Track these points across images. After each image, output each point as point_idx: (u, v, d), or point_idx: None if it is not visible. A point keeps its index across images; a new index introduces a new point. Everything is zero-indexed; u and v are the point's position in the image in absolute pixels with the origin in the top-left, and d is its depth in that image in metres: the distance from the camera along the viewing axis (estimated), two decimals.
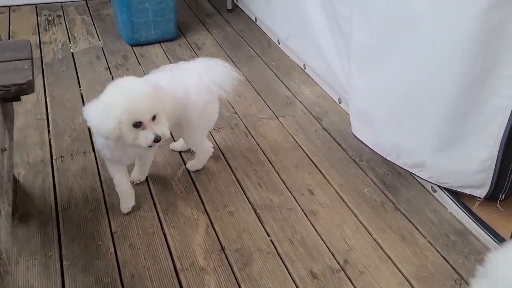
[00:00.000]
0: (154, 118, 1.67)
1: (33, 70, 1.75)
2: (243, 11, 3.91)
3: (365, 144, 2.19)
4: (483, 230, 1.82)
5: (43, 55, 3.16)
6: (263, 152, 2.35)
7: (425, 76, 1.76)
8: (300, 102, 2.76)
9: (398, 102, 1.92)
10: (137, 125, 1.65)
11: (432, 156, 1.88)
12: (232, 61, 3.16)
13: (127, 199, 1.97)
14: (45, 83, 2.85)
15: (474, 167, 1.79)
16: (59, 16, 3.72)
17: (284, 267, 1.77)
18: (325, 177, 2.20)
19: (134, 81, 1.74)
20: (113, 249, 1.81)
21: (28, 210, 1.96)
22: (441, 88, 1.72)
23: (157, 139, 1.66)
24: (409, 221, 1.97)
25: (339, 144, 2.41)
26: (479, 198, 1.87)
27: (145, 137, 1.66)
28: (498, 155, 1.71)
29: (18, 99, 1.74)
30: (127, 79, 1.74)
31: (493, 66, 1.58)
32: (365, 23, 1.97)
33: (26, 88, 1.66)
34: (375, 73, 1.98)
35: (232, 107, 2.67)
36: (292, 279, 1.73)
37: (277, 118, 2.61)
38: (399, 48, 1.82)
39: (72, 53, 3.20)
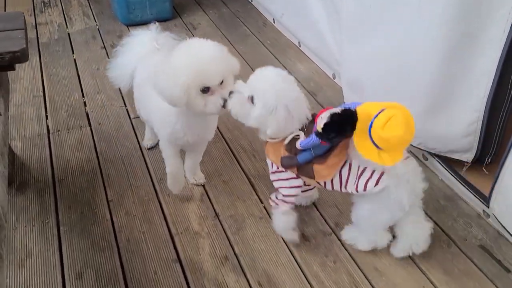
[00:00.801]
0: (221, 82, 1.55)
1: (27, 40, 1.78)
2: None
3: None
4: (471, 192, 1.86)
5: (39, 36, 3.19)
6: None
7: (411, 41, 1.79)
8: (296, 78, 2.77)
9: (386, 69, 1.95)
10: (205, 90, 1.53)
11: (420, 122, 1.89)
12: (228, 40, 3.18)
13: (178, 180, 1.89)
14: (42, 62, 2.87)
15: (461, 131, 1.82)
16: None
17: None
18: None
19: (202, 43, 1.59)
20: (109, 216, 1.85)
21: (25, 180, 2.00)
22: (427, 53, 1.75)
23: (224, 104, 1.55)
24: None
25: None
26: (467, 162, 1.90)
27: (213, 102, 1.54)
28: (484, 118, 1.74)
29: (13, 68, 1.76)
30: (195, 40, 1.62)
31: (478, 29, 1.60)
32: None
33: (20, 56, 1.68)
34: (364, 42, 2.01)
35: None
36: (284, 241, 1.76)
37: None
38: (386, 15, 1.85)
39: (68, 33, 3.22)
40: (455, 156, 1.92)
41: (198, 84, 1.51)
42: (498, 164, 1.68)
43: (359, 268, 1.67)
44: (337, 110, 1.40)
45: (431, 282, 1.63)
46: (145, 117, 1.96)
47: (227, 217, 1.86)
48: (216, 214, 1.87)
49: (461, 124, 1.83)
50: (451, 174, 1.94)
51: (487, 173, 1.88)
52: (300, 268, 1.67)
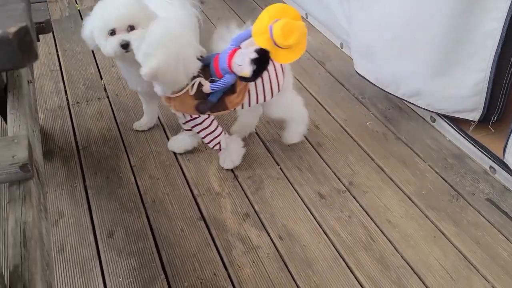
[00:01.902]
0: (132, 29, 1.67)
1: (49, 12, 1.85)
2: None
3: (366, 79, 2.29)
4: (479, 150, 1.94)
5: (50, 13, 3.23)
6: None
7: (417, 3, 1.85)
8: None
9: (394, 33, 2.02)
10: (112, 33, 1.66)
11: (428, 83, 1.99)
12: (236, 13, 3.23)
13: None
14: (55, 38, 2.94)
15: (468, 91, 1.89)
16: None
17: (293, 190, 1.90)
18: (329, 114, 2.32)
19: None
20: (133, 180, 1.94)
21: (51, 148, 2.09)
22: (433, 15, 1.81)
23: (122, 44, 1.64)
24: (410, 148, 2.09)
25: (342, 85, 2.52)
26: (473, 121, 1.98)
27: (110, 43, 1.66)
28: (490, 78, 1.82)
29: (37, 39, 1.84)
30: None
31: None
32: None
33: (45, 27, 1.76)
34: (372, 6, 2.07)
35: None
36: (301, 199, 1.86)
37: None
38: None
39: (79, 10, 3.27)
40: (462, 116, 2.00)
41: (102, 26, 1.67)
42: (504, 122, 1.76)
43: (372, 221, 1.77)
44: (251, 52, 1.62)
45: (442, 233, 1.73)
46: None
47: (246, 179, 1.95)
48: (235, 176, 1.97)
49: (468, 84, 1.91)
50: (459, 133, 2.02)
51: (493, 131, 1.96)
52: (317, 222, 1.77)
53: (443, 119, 2.10)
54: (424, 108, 2.10)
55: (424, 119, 2.24)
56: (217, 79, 1.71)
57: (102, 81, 2.56)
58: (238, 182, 1.94)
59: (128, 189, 1.90)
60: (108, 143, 2.13)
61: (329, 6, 2.73)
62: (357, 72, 2.35)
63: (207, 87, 1.68)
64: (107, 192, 1.88)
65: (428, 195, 1.87)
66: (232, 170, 1.99)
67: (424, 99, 2.07)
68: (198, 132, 1.87)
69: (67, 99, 2.40)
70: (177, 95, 1.70)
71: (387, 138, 2.15)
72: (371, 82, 2.27)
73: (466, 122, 2.03)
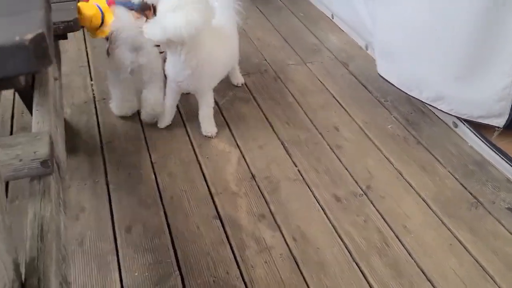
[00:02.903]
0: None
1: None
2: None
3: (389, 82, 2.27)
4: (502, 158, 1.91)
5: None
6: (292, 95, 2.46)
7: (443, 4, 1.82)
8: (327, 49, 2.85)
9: (418, 33, 2.00)
10: None
11: (452, 87, 1.96)
12: (262, 13, 3.25)
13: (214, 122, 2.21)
14: (85, 36, 3.01)
15: (494, 96, 1.86)
16: None
17: (310, 191, 1.91)
18: (350, 116, 2.31)
19: None
20: (153, 176, 1.99)
21: (76, 143, 2.15)
22: (459, 15, 1.78)
23: None
24: (430, 153, 2.07)
25: (365, 87, 2.50)
26: (498, 127, 1.94)
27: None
28: None
29: (65, 37, 1.90)
30: None
31: None
32: None
33: (73, 25, 1.82)
34: (395, 8, 2.05)
35: (262, 54, 2.78)
36: (317, 201, 1.87)
37: (305, 64, 2.71)
38: None
39: None
40: (486, 122, 1.97)
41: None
42: None
43: (388, 226, 1.76)
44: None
45: (458, 240, 1.71)
46: None
47: (263, 179, 1.97)
48: (253, 176, 1.99)
49: (494, 89, 1.87)
50: (481, 140, 1.99)
51: None
52: (332, 225, 1.77)
53: (465, 124, 2.06)
54: (447, 113, 2.08)
55: (447, 124, 2.21)
56: None
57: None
58: (255, 181, 1.96)
59: (148, 186, 1.94)
60: (131, 139, 2.18)
61: (354, 5, 2.71)
62: (379, 74, 2.33)
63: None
64: (128, 188, 1.93)
65: (446, 202, 1.85)
66: (249, 170, 2.01)
67: (448, 103, 2.04)
68: None
69: (94, 95, 2.46)
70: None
71: (408, 143, 2.14)
72: (393, 85, 2.25)
73: (490, 128, 2.00)
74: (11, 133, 2.18)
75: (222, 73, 2.22)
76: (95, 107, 2.37)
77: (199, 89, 2.11)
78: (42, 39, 0.81)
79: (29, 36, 0.79)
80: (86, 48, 2.88)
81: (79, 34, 3.00)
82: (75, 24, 1.83)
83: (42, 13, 0.93)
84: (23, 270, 0.99)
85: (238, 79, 2.51)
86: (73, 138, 2.17)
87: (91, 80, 2.57)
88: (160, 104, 2.17)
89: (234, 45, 2.26)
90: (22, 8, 0.98)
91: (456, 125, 2.13)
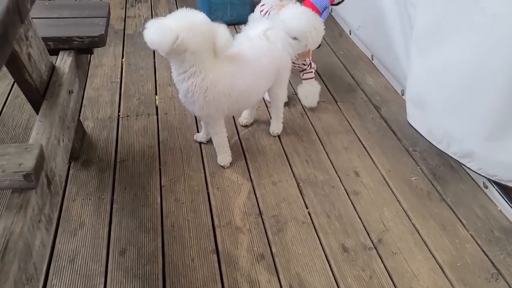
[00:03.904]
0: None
1: (107, 27, 1.92)
2: None
3: (418, 132, 2.15)
4: None
5: (126, 27, 3.40)
6: (316, 132, 2.38)
7: (482, 56, 1.71)
8: (362, 90, 2.76)
9: (452, 86, 1.88)
10: None
11: (483, 145, 1.82)
12: None
13: (229, 152, 2.14)
14: (124, 52, 3.07)
15: None
16: None
17: (317, 237, 1.80)
18: (373, 162, 2.19)
19: None
20: (159, 200, 1.94)
21: (90, 158, 2.14)
22: (497, 70, 1.66)
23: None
24: (454, 212, 1.92)
25: (394, 133, 2.39)
26: None
27: None
28: None
29: (91, 52, 1.92)
30: None
31: None
32: (430, 5, 1.94)
33: (98, 41, 1.83)
34: (432, 56, 1.95)
35: (293, 89, 2.72)
36: (323, 249, 1.75)
37: (336, 102, 2.62)
38: (459, 27, 1.78)
39: None
40: None
41: None
42: None
43: (395, 286, 1.62)
44: None
45: None
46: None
47: (270, 217, 1.88)
48: (260, 213, 1.90)
49: None
50: (510, 206, 1.83)
51: None
52: (334, 278, 1.65)
53: (495, 187, 1.91)
54: (475, 171, 1.93)
55: (477, 183, 2.05)
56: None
57: (156, 96, 2.62)
58: (262, 219, 1.88)
59: (152, 209, 1.90)
60: (145, 160, 2.15)
61: (394, 48, 2.63)
62: (408, 122, 2.22)
63: None
64: (131, 209, 1.89)
65: (463, 268, 1.69)
66: (258, 206, 1.93)
67: (477, 162, 1.90)
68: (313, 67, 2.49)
69: (119, 112, 2.47)
70: None
71: (431, 198, 1.99)
72: (421, 134, 2.13)
73: None
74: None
75: (236, 108, 2.07)
76: (118, 124, 2.37)
77: (201, 116, 2.07)
78: None
79: None
80: (122, 64, 2.92)
81: (118, 50, 3.06)
82: (101, 40, 1.84)
83: None
84: None
85: (274, 126, 2.34)
86: (89, 152, 2.18)
87: (156, 95, 2.59)
88: None
89: (262, 82, 2.10)
90: None
91: (486, 186, 1.98)
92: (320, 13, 2.41)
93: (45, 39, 1.68)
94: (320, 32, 2.21)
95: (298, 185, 2.05)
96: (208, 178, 2.07)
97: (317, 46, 2.28)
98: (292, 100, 2.64)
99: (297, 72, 2.70)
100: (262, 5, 2.58)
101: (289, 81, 2.39)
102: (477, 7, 1.68)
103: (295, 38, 2.14)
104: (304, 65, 2.50)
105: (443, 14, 1.86)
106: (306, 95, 2.54)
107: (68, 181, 1.99)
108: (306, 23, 2.14)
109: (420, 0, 2.05)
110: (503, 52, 1.63)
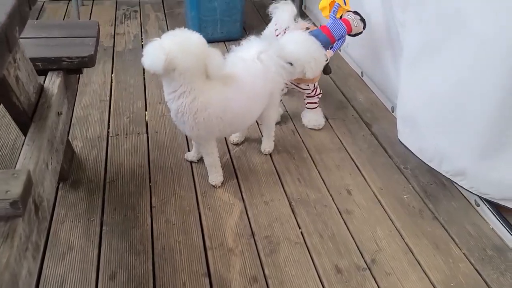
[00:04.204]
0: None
1: (97, 47, 1.91)
2: (309, 18, 3.96)
3: (409, 150, 2.15)
4: None
5: (115, 44, 3.39)
6: (307, 150, 2.37)
7: (471, 76, 1.72)
8: (353, 107, 2.76)
9: (442, 105, 1.89)
10: None
11: (474, 164, 1.82)
12: None
13: (220, 172, 2.12)
14: (113, 69, 3.05)
15: None
16: (135, 11, 3.97)
17: (310, 258, 1.78)
18: (365, 180, 2.19)
19: None
20: (149, 222, 1.91)
21: (79, 178, 2.11)
22: (486, 91, 1.67)
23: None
24: (446, 231, 1.92)
25: (385, 150, 2.39)
26: None
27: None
28: None
29: (80, 72, 1.90)
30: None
31: None
32: (417, 26, 1.96)
33: (87, 62, 1.81)
34: (422, 75, 1.96)
35: (284, 106, 2.72)
36: (316, 270, 1.73)
37: (327, 120, 2.62)
38: (447, 48, 1.79)
39: (142, 44, 3.40)
40: (509, 205, 1.81)
41: None
42: None
43: None
44: (355, 16, 2.43)
45: None
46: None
47: (263, 238, 1.86)
48: (252, 233, 1.88)
49: None
50: (502, 224, 1.83)
51: None
52: None
53: (486, 205, 1.91)
54: (467, 190, 1.93)
55: (468, 201, 2.05)
56: (331, 45, 2.40)
57: (146, 112, 2.60)
58: (254, 240, 1.86)
59: (142, 231, 1.87)
60: (135, 180, 2.13)
61: (384, 66, 2.64)
62: (399, 140, 2.22)
63: (330, 53, 2.37)
64: (121, 231, 1.86)
65: None
66: (250, 226, 1.91)
67: (469, 180, 1.90)
68: (317, 94, 2.50)
69: (108, 130, 2.45)
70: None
71: (423, 216, 1.99)
72: (412, 152, 2.13)
73: None
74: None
75: (228, 131, 2.08)
76: (107, 143, 2.35)
77: (191, 136, 2.05)
78: None
79: None
80: (111, 82, 2.90)
81: (107, 67, 3.05)
82: (90, 60, 1.82)
83: None
84: None
85: (265, 145, 2.33)
86: (78, 172, 2.14)
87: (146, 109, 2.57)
88: None
89: (256, 105, 2.08)
90: None
91: (478, 204, 1.98)
92: (336, 41, 2.40)
93: (33, 60, 1.66)
94: (320, 63, 2.20)
95: (290, 204, 2.04)
96: (200, 198, 2.04)
97: (315, 75, 2.26)
98: (283, 117, 2.63)
99: (291, 91, 2.71)
100: (276, 24, 2.57)
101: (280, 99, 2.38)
102: (465, 29, 1.69)
103: (290, 64, 2.13)
104: (307, 89, 2.47)
105: (432, 34, 1.87)
106: (309, 120, 2.54)
107: (57, 203, 1.96)
108: (304, 52, 2.13)
109: (410, 20, 2.06)
110: (491, 73, 1.65)
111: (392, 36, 2.49)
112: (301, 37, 2.19)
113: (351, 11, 2.44)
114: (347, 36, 2.47)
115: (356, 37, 2.49)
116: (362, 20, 2.45)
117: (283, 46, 2.12)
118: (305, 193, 2.10)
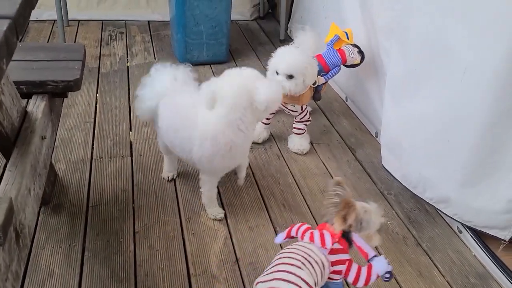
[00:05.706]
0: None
1: (82, 71, 1.90)
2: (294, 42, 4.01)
3: (393, 176, 2.17)
4: (504, 275, 1.75)
5: (101, 66, 3.38)
6: (292, 175, 2.38)
7: (455, 107, 1.76)
8: (337, 131, 2.79)
9: (427, 134, 1.92)
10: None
11: (458, 192, 1.85)
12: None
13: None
14: (98, 91, 3.04)
15: (501, 207, 1.74)
16: (121, 32, 3.97)
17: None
18: None
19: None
20: (133, 248, 1.89)
21: (61, 202, 2.08)
22: (470, 121, 1.71)
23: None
24: (430, 258, 1.93)
25: (370, 176, 2.40)
26: (504, 240, 1.81)
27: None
28: None
29: (65, 96, 1.88)
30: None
31: None
32: (402, 55, 2.00)
33: (73, 85, 1.79)
34: (407, 104, 1.99)
35: (270, 130, 2.73)
36: None
37: (312, 144, 2.64)
38: (431, 79, 1.84)
39: (128, 66, 3.40)
40: (492, 232, 1.84)
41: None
42: None
43: None
44: (353, 48, 2.55)
45: None
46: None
47: (247, 264, 1.85)
48: (237, 260, 1.87)
49: (501, 199, 1.76)
50: (484, 252, 1.85)
51: None
52: None
53: (469, 232, 1.93)
54: (450, 217, 1.95)
55: (451, 227, 2.07)
56: (324, 73, 2.49)
57: (131, 133, 2.59)
58: (238, 266, 1.84)
59: (125, 257, 1.84)
60: (119, 204, 2.10)
61: (367, 91, 2.68)
62: (383, 166, 2.24)
63: (321, 79, 2.46)
64: (103, 257, 1.83)
65: None
66: (235, 253, 1.90)
67: (452, 207, 1.92)
68: (305, 120, 2.50)
69: (92, 153, 2.43)
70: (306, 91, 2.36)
71: (407, 243, 2.00)
72: (396, 179, 2.15)
73: (497, 239, 1.85)
74: None
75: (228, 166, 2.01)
76: (91, 166, 2.32)
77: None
78: None
79: None
80: (96, 104, 2.89)
81: (92, 89, 3.03)
82: (76, 84, 1.81)
83: None
84: None
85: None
86: (60, 196, 2.11)
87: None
88: None
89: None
90: None
91: (460, 231, 2.00)
92: (329, 70, 2.51)
93: (17, 83, 1.64)
94: (313, 67, 2.30)
95: (275, 230, 2.03)
96: (184, 223, 2.03)
97: (314, 80, 2.36)
98: (268, 141, 2.64)
99: (277, 115, 2.72)
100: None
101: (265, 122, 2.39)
102: (449, 59, 1.73)
103: (290, 76, 2.22)
104: (294, 112, 2.49)
105: (416, 64, 1.91)
106: (294, 144, 2.56)
107: (38, 228, 1.92)
108: (299, 59, 2.24)
109: (394, 48, 2.10)
110: (474, 105, 1.69)
111: (376, 63, 2.53)
112: (288, 49, 2.28)
113: (351, 44, 2.54)
114: (342, 66, 2.55)
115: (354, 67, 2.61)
116: (360, 52, 2.54)
117: (278, 63, 2.20)
118: (290, 218, 2.10)
